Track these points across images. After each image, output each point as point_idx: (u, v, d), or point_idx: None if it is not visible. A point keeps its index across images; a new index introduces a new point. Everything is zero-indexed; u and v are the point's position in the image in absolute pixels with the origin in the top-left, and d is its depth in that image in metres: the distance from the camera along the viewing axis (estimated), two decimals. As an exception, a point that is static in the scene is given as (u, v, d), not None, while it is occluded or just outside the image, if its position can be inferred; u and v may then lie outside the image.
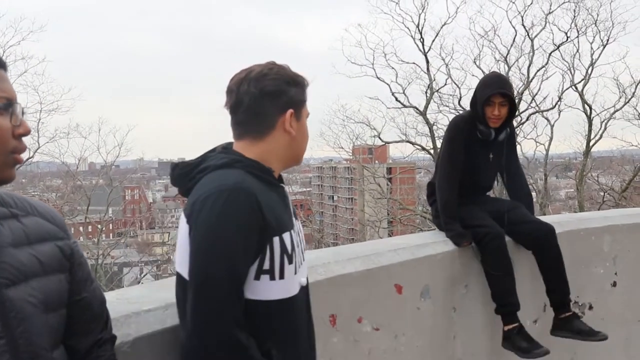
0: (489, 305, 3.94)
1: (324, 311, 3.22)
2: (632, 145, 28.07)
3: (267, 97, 2.13)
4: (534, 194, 27.31)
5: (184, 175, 2.17)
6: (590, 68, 27.41)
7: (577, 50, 27.67)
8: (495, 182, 4.52)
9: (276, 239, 2.08)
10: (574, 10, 27.20)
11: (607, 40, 27.17)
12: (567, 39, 27.25)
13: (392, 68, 28.18)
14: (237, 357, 1.98)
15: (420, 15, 29.32)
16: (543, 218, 4.58)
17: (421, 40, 27.64)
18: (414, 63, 27.92)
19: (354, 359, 3.39)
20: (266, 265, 2.07)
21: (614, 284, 4.67)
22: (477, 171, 4.18)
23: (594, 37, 27.48)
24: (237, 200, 1.99)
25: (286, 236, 2.12)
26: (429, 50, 27.49)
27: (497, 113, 4.05)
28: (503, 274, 3.81)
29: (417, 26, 27.66)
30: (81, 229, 36.76)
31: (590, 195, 29.98)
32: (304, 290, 2.29)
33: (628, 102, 27.28)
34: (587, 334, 4.06)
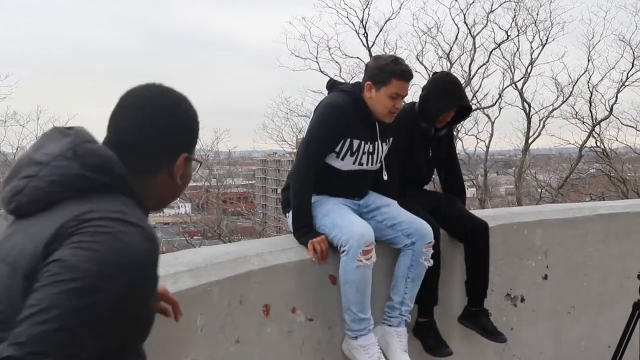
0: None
1: (258, 301, 3.22)
2: (570, 144, 28.62)
3: None
4: (474, 189, 27.91)
5: None
6: (530, 67, 27.83)
7: (517, 49, 28.00)
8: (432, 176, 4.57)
9: None
10: (515, 10, 27.55)
11: (546, 40, 27.58)
12: (507, 38, 27.59)
13: (336, 62, 28.13)
14: None
15: (364, 10, 29.21)
16: (478, 212, 4.66)
17: (365, 35, 27.69)
18: (357, 57, 27.88)
19: (287, 349, 3.40)
20: None
21: (545, 277, 4.76)
22: (416, 165, 4.21)
23: (534, 36, 27.83)
24: None
25: None
26: (372, 45, 27.57)
27: (449, 119, 4.10)
28: (430, 268, 3.80)
29: (362, 21, 27.67)
30: (18, 219, 35.91)
31: (529, 191, 30.54)
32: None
33: (566, 101, 27.80)
34: (489, 333, 4.15)
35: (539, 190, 29.74)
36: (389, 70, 3.64)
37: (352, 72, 28.81)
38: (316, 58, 28.00)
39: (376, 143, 3.79)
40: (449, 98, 4.04)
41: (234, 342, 3.07)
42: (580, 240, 4.97)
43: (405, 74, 3.66)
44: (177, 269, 2.87)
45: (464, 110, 4.19)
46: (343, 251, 3.47)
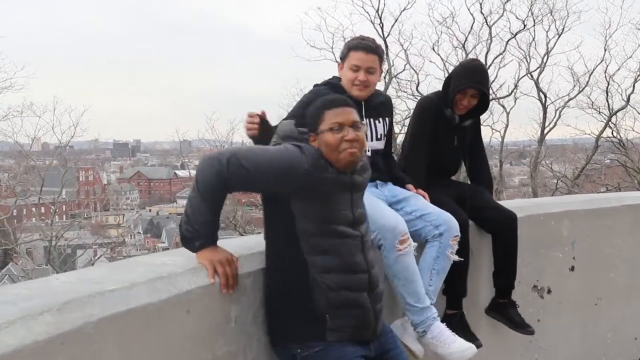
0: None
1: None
2: (585, 134, 28.41)
3: None
4: (489, 180, 27.76)
5: None
6: (546, 56, 27.58)
7: (533, 39, 27.73)
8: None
9: None
10: (531, -1, 27.34)
11: (563, 29, 27.31)
12: (523, 27, 27.35)
13: (352, 52, 28.07)
14: None
15: (380, 0, 29.18)
16: (505, 203, 4.62)
17: (380, 25, 27.51)
18: (373, 48, 27.75)
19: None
20: None
21: (572, 269, 4.73)
22: (442, 154, 4.18)
23: (550, 26, 27.55)
24: None
25: None
26: (388, 35, 27.39)
27: (466, 103, 4.07)
28: (459, 260, 3.77)
29: (377, 11, 27.48)
30: (34, 210, 36.11)
31: (544, 182, 30.34)
32: None
33: (582, 91, 27.55)
34: (517, 325, 4.13)
35: (555, 181, 29.54)
36: (347, 45, 3.76)
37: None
38: (332, 48, 27.83)
39: (369, 120, 3.78)
40: (464, 79, 4.02)
41: (265, 334, 3.05)
42: (607, 232, 4.93)
43: (361, 45, 3.69)
44: (209, 260, 2.84)
45: (485, 99, 4.13)
46: (379, 246, 3.46)
